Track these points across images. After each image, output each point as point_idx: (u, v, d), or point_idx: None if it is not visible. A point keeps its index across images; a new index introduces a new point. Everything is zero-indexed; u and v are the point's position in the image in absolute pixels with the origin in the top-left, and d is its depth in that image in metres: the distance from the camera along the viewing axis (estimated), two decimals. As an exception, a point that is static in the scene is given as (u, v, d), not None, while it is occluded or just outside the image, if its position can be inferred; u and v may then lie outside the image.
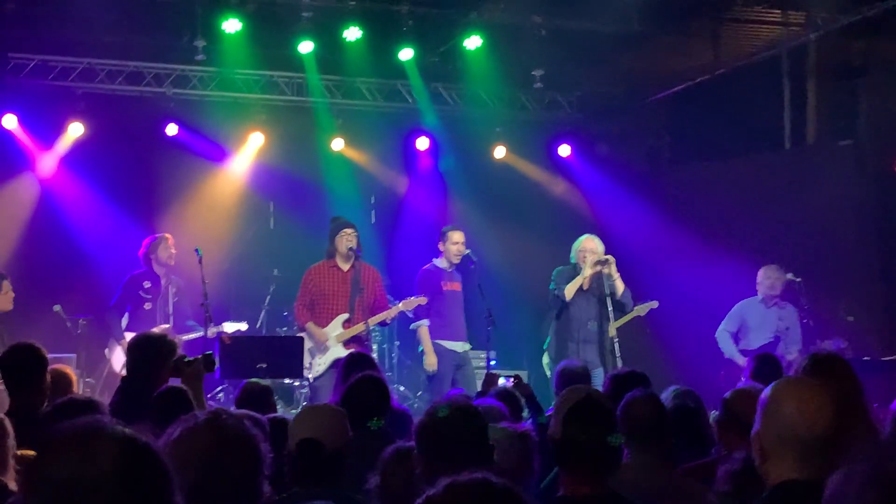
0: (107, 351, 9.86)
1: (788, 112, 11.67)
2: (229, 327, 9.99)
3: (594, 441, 3.45)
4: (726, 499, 3.37)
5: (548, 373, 10.11)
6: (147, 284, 9.92)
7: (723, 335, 9.91)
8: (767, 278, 9.76)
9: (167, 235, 10.13)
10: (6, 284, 9.40)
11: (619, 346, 9.30)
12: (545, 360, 10.24)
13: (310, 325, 9.27)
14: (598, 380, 8.67)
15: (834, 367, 4.11)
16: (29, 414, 4.46)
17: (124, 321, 9.89)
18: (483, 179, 12.61)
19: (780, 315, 9.70)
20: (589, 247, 9.60)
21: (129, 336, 8.93)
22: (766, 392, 2.93)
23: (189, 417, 2.60)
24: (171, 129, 11.37)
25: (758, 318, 9.82)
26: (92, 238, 11.26)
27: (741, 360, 9.15)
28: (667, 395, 5.51)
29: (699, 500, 3.95)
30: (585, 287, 9.59)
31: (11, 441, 4.19)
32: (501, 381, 6.97)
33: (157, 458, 1.88)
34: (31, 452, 4.22)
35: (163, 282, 9.98)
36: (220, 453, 2.49)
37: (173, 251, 10.00)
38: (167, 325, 9.74)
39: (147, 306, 9.88)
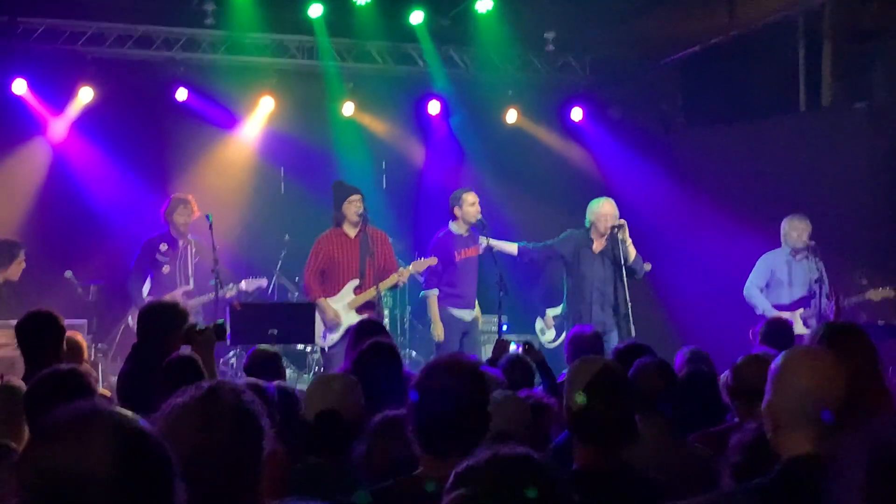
0: (129, 318, 9.82)
1: (803, 74, 11.55)
2: (248, 285, 9.99)
3: (615, 414, 3.42)
4: (737, 470, 3.33)
5: (541, 338, 10.10)
6: (164, 247, 9.84)
7: (753, 290, 9.62)
8: (794, 229, 9.46)
9: (188, 197, 9.98)
10: (22, 253, 9.40)
11: (633, 311, 9.27)
12: (538, 325, 10.20)
13: (321, 302, 9.20)
14: (613, 343, 8.64)
15: (850, 336, 4.06)
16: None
17: (147, 286, 9.85)
18: (495, 143, 12.54)
19: (809, 267, 9.43)
20: (605, 210, 9.55)
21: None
22: (777, 362, 2.88)
23: (185, 391, 2.54)
24: (181, 94, 11.32)
25: (788, 272, 9.55)
26: (104, 203, 11.24)
27: (775, 315, 8.89)
28: (682, 355, 5.49)
29: (710, 471, 3.93)
30: (597, 250, 9.57)
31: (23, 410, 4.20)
32: (512, 346, 6.95)
33: (157, 446, 1.82)
34: None
35: (181, 243, 9.90)
36: (212, 431, 2.44)
37: (190, 216, 9.84)
38: (188, 287, 9.71)
39: (166, 270, 9.82)
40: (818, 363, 2.85)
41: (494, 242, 9.65)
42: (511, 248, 9.85)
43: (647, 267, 9.80)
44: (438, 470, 3.03)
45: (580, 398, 3.65)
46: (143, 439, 1.81)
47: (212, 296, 9.44)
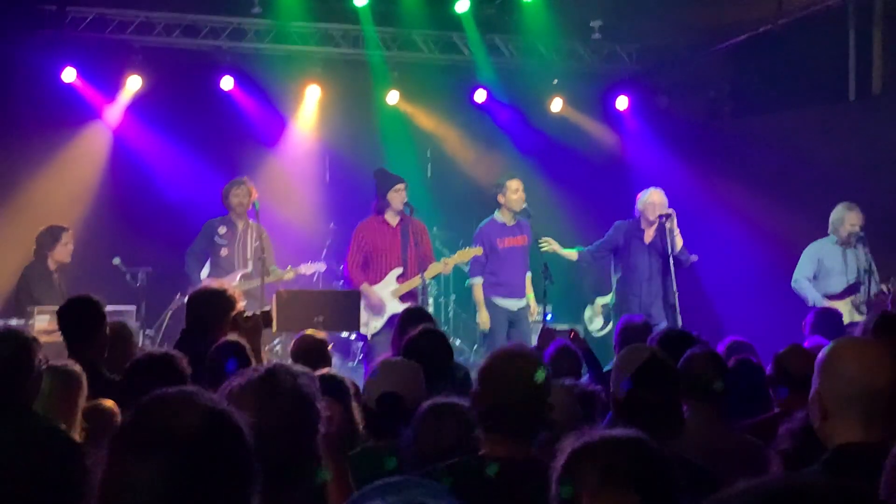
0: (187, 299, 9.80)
1: (853, 62, 11.39)
2: (307, 269, 10.04)
3: (660, 402, 3.42)
4: (787, 458, 3.32)
5: (589, 326, 10.06)
6: (222, 230, 9.84)
7: (802, 282, 9.46)
8: (853, 224, 9.27)
9: (243, 179, 9.98)
10: (66, 236, 9.51)
11: (679, 302, 9.23)
12: (587, 313, 10.16)
13: (365, 287, 9.23)
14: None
15: None
16: (86, 367, 4.49)
17: (206, 269, 9.87)
18: (539, 132, 12.51)
19: (857, 255, 9.30)
20: (653, 199, 9.50)
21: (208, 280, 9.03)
22: (824, 352, 2.89)
23: (244, 373, 2.57)
24: (227, 83, 11.39)
25: (837, 261, 9.39)
26: (153, 189, 11.31)
27: (826, 305, 8.80)
28: (722, 346, 5.47)
29: (759, 459, 3.91)
30: (648, 241, 9.53)
31: (82, 397, 4.24)
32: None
33: (244, 435, 1.89)
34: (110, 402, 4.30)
35: (240, 226, 9.88)
36: (270, 412, 2.47)
37: (246, 197, 9.76)
38: (247, 270, 9.72)
39: (224, 253, 9.82)
40: (865, 351, 2.86)
41: (556, 247, 9.58)
42: (571, 254, 9.77)
43: (693, 258, 9.74)
44: (500, 451, 3.19)
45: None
46: (232, 425, 1.88)
47: (275, 277, 9.47)
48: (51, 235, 9.48)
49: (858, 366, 2.78)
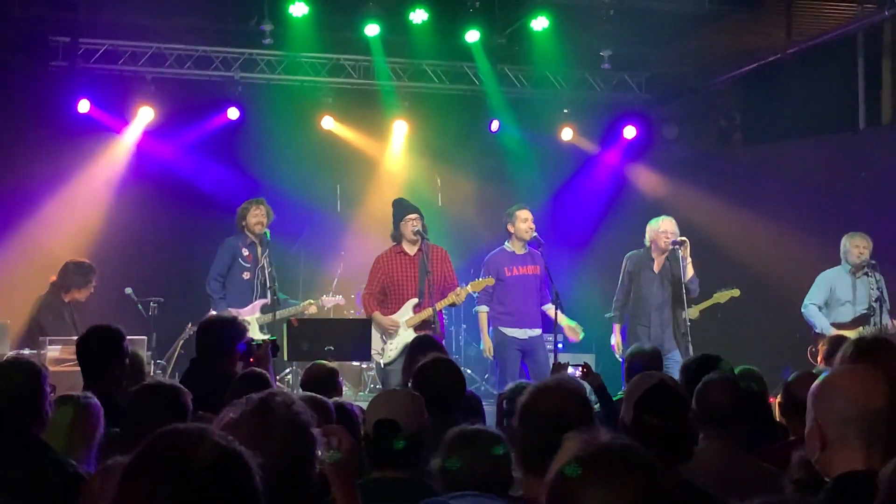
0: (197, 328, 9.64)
1: (863, 92, 11.43)
2: (327, 301, 10.07)
3: (667, 427, 3.40)
4: (800, 486, 3.30)
5: (615, 353, 10.01)
6: (246, 253, 9.63)
7: (811, 309, 9.46)
8: (856, 246, 9.27)
9: (261, 199, 9.80)
10: (95, 278, 9.51)
11: (691, 330, 9.19)
12: (613, 339, 10.13)
13: (376, 315, 9.19)
14: (673, 362, 8.56)
15: (880, 349, 3.99)
16: (102, 397, 4.45)
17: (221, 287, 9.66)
18: (550, 161, 12.53)
19: (869, 284, 9.27)
20: (664, 227, 9.44)
21: (232, 310, 8.94)
22: (817, 382, 2.88)
23: (239, 402, 2.56)
24: (233, 114, 11.45)
25: (847, 289, 9.38)
26: (166, 220, 11.35)
27: (834, 333, 8.77)
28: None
29: (776, 487, 3.88)
30: (657, 270, 9.47)
31: (99, 429, 4.22)
32: (570, 369, 6.88)
33: (249, 472, 1.91)
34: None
35: (259, 251, 9.64)
36: (266, 443, 2.42)
37: (265, 218, 9.60)
38: (266, 301, 9.47)
39: (246, 276, 9.62)
40: (860, 374, 2.85)
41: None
42: (617, 335, 9.70)
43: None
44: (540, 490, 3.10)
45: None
46: (243, 463, 1.90)
47: (288, 310, 9.42)
48: (85, 277, 9.45)
49: (854, 387, 2.77)
